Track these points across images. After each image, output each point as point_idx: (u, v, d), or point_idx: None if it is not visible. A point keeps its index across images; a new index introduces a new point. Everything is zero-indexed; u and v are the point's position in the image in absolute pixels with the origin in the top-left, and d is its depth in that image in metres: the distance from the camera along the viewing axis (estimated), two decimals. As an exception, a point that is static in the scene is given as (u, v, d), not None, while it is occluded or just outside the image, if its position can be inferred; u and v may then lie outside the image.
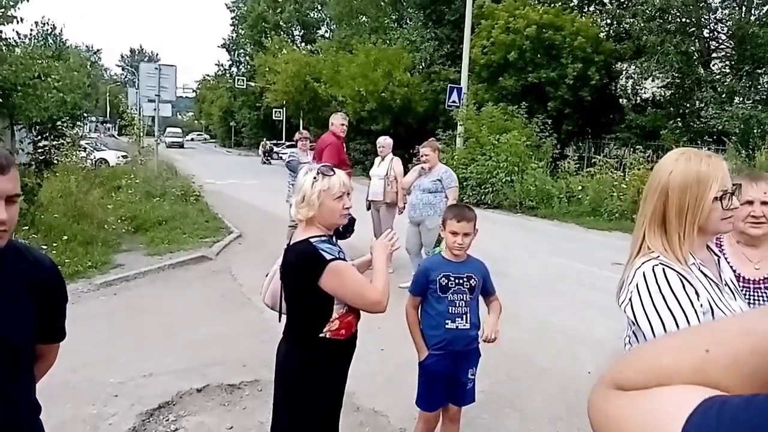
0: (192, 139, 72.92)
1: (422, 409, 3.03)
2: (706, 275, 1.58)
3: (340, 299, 2.25)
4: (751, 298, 2.20)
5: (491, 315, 2.98)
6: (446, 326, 2.85)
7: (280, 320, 2.45)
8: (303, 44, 45.40)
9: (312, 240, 2.25)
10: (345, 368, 2.43)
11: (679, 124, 16.83)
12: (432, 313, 2.88)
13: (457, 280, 2.86)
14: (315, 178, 2.27)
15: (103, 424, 3.60)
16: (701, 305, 1.49)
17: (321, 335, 2.26)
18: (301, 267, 2.24)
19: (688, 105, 17.27)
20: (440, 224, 3.03)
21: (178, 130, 63.49)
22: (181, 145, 54.25)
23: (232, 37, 55.91)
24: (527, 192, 14.65)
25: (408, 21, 26.66)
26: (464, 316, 2.87)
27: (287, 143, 33.36)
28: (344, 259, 2.28)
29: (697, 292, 1.50)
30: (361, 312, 2.41)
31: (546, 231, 12.01)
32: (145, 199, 12.12)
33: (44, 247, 7.07)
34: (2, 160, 1.40)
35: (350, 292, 2.24)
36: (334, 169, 2.35)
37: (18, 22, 7.79)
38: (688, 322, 1.45)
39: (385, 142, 7.95)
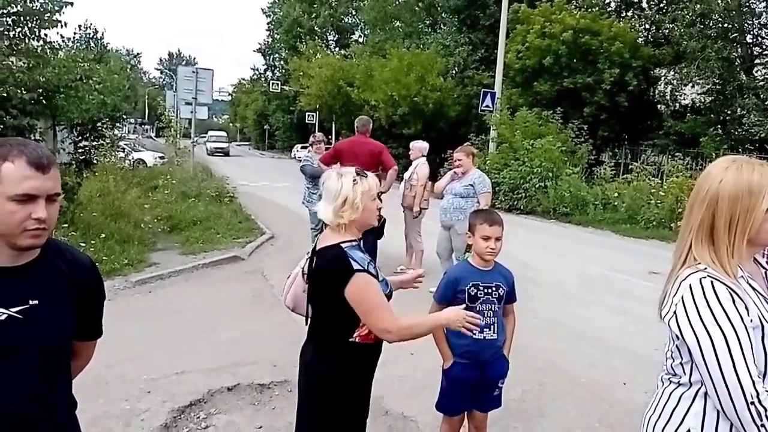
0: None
1: (444, 413, 3.00)
2: (754, 288, 1.51)
3: (357, 311, 2.18)
4: None
5: (507, 338, 2.94)
6: (474, 336, 2.79)
7: (307, 323, 2.44)
8: (337, 49, 45.70)
9: (344, 246, 2.21)
10: (373, 372, 2.41)
11: (720, 131, 16.37)
12: None
13: (486, 290, 2.80)
14: (355, 180, 2.24)
15: (135, 419, 3.65)
16: (751, 320, 1.42)
17: (351, 340, 2.24)
18: (331, 273, 2.20)
19: (729, 112, 16.75)
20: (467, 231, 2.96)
21: (223, 133, 54.71)
22: (226, 153, 44.44)
23: (268, 41, 56.61)
24: (561, 198, 14.43)
25: (442, 26, 26.58)
26: (492, 326, 2.82)
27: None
28: (373, 272, 2.21)
29: (747, 307, 1.43)
30: None
31: (580, 238, 11.81)
32: (180, 200, 12.34)
33: (82, 244, 7.24)
34: (43, 159, 1.41)
35: (364, 309, 2.16)
36: (363, 170, 2.34)
37: (62, 26, 8.01)
38: (738, 338, 1.38)
39: (413, 145, 7.98)
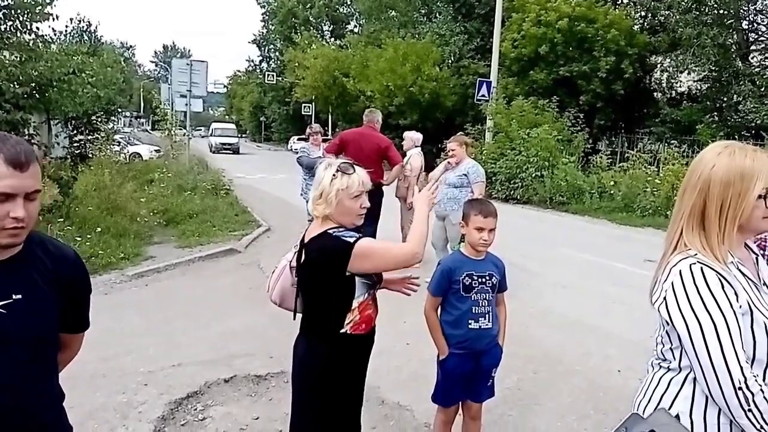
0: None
1: (440, 404, 3.01)
2: (744, 275, 1.52)
3: (379, 271, 2.24)
4: None
5: (500, 327, 2.94)
6: (469, 326, 2.79)
7: (294, 318, 2.44)
8: (332, 39, 45.50)
9: (331, 231, 2.21)
10: (365, 364, 2.41)
11: (716, 118, 16.38)
12: (454, 313, 2.82)
13: (480, 279, 2.80)
14: (334, 175, 2.22)
15: (132, 412, 3.66)
16: (740, 306, 1.43)
17: (342, 331, 2.24)
18: (328, 259, 2.20)
19: (725, 99, 16.75)
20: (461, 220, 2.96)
21: (230, 125, 46.99)
22: (235, 150, 37.53)
23: (263, 32, 56.30)
24: (558, 187, 14.44)
25: (437, 15, 26.43)
26: (487, 315, 2.82)
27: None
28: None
29: (736, 293, 1.44)
30: (379, 307, 2.40)
31: (577, 227, 11.83)
32: (176, 193, 12.32)
33: (78, 238, 7.24)
34: (21, 156, 1.38)
35: (383, 260, 2.22)
36: (355, 166, 2.29)
37: (54, 19, 7.96)
38: (727, 324, 1.38)
39: (406, 135, 8.05)
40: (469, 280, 2.78)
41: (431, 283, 2.90)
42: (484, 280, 2.81)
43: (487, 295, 2.82)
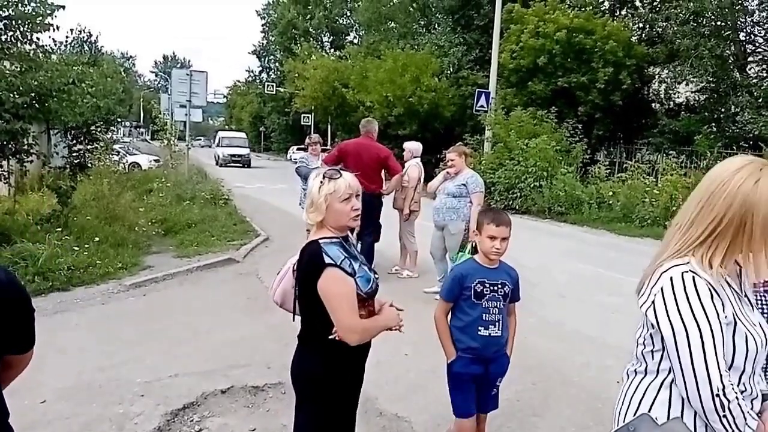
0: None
1: (458, 415, 2.93)
2: (730, 286, 1.55)
3: (326, 306, 2.17)
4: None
5: (509, 336, 2.94)
6: (479, 333, 2.80)
7: (294, 320, 2.45)
8: (332, 50, 45.74)
9: (321, 241, 2.23)
10: (359, 372, 2.40)
11: (714, 129, 16.43)
12: (464, 319, 2.83)
13: (492, 287, 2.81)
14: (321, 182, 2.26)
15: (128, 423, 3.64)
16: (726, 317, 1.47)
17: (331, 337, 2.23)
18: (308, 267, 2.23)
19: (723, 110, 16.81)
20: (465, 229, 2.97)
21: (241, 135, 41.17)
22: (246, 163, 33.38)
23: (263, 43, 56.64)
24: (556, 197, 14.46)
25: (436, 26, 26.60)
26: (497, 323, 2.83)
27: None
28: (348, 270, 2.20)
29: (723, 304, 1.48)
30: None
31: (575, 237, 11.83)
32: (175, 203, 12.29)
33: (76, 248, 7.22)
34: None
35: (331, 305, 2.17)
36: (341, 171, 2.32)
37: (54, 29, 7.99)
38: (712, 333, 1.43)
39: (405, 146, 8.05)
40: (481, 287, 2.80)
41: (443, 288, 2.95)
42: (496, 288, 2.82)
43: (498, 303, 2.83)
